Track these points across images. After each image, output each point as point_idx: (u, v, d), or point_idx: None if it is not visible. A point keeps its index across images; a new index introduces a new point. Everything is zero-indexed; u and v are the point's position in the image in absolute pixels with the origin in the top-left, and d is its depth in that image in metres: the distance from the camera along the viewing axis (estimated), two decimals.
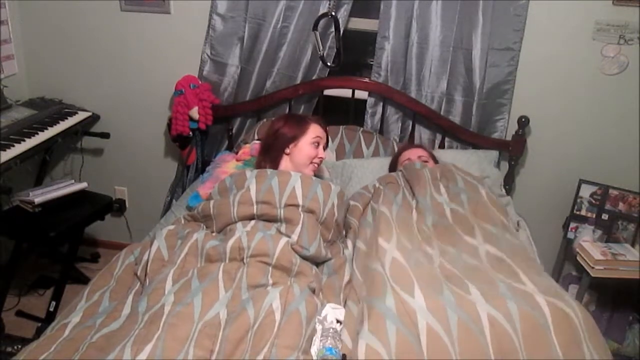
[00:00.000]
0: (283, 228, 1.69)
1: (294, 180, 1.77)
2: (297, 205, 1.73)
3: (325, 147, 2.02)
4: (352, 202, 1.99)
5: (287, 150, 1.93)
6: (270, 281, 1.49)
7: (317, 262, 1.68)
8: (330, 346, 1.31)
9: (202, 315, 1.34)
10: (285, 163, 1.95)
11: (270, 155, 1.96)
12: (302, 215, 1.71)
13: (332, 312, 1.44)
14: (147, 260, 1.59)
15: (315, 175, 1.95)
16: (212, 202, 1.81)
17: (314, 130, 1.94)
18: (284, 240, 1.61)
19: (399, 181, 2.04)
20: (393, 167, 2.27)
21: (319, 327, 1.37)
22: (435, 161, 2.24)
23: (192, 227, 1.78)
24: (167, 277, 1.48)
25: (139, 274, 1.61)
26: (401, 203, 1.90)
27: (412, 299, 1.32)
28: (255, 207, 1.73)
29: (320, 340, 1.33)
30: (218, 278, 1.46)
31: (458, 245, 1.66)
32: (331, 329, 1.36)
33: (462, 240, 1.68)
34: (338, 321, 1.41)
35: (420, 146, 2.33)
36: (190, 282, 1.44)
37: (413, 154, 2.21)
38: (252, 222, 1.71)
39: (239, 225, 1.69)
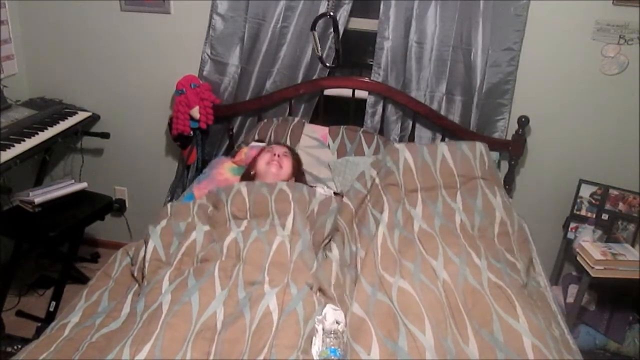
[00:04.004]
0: (276, 220, 1.73)
1: (280, 184, 1.92)
2: (287, 194, 1.85)
3: (294, 154, 2.24)
4: (344, 200, 1.98)
5: (252, 172, 2.15)
6: (267, 278, 1.49)
7: (323, 241, 1.70)
8: (334, 347, 1.31)
9: (200, 314, 1.34)
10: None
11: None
12: (292, 204, 1.79)
13: (332, 313, 1.43)
14: (144, 261, 1.59)
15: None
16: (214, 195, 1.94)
17: (264, 149, 2.21)
18: (279, 238, 1.62)
19: (399, 182, 2.01)
20: None
21: (319, 327, 1.37)
22: None
23: (190, 226, 1.77)
24: (163, 277, 1.48)
25: (135, 274, 1.62)
26: (402, 223, 1.85)
27: (423, 336, 1.36)
28: (247, 202, 1.82)
29: (323, 341, 1.33)
30: (214, 275, 1.47)
31: (462, 257, 1.65)
32: (333, 329, 1.36)
33: (467, 253, 1.68)
34: (337, 322, 1.41)
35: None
36: (187, 280, 1.45)
37: None
38: (245, 222, 1.75)
39: (233, 225, 1.71)
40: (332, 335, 1.34)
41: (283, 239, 1.63)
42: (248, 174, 2.16)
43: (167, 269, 1.52)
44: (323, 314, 1.41)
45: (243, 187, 1.90)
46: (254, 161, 2.19)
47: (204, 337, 1.29)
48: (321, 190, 2.15)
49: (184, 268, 1.54)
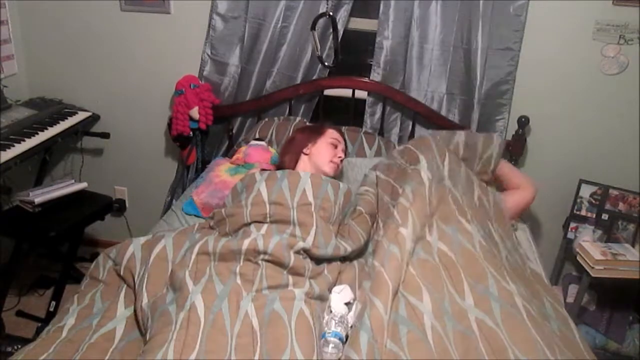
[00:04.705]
0: (297, 231, 1.64)
1: (304, 181, 1.77)
2: (309, 204, 1.72)
3: (346, 154, 2.12)
4: (358, 208, 1.90)
5: (306, 150, 2.01)
6: (291, 281, 1.49)
7: (336, 258, 1.69)
8: (337, 331, 1.36)
9: (232, 325, 1.32)
10: (304, 164, 2.00)
11: (289, 156, 2.02)
12: (315, 217, 1.69)
13: (337, 298, 1.48)
14: (149, 260, 1.58)
15: (334, 178, 1.95)
16: (224, 209, 1.79)
17: (331, 134, 2.06)
18: (298, 246, 1.58)
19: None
20: None
21: (327, 317, 1.42)
22: None
23: (204, 232, 1.74)
24: (184, 277, 1.45)
25: (122, 274, 1.61)
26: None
27: (421, 304, 1.41)
28: (267, 207, 1.71)
29: (327, 325, 1.39)
30: (237, 282, 1.44)
31: (453, 225, 1.70)
32: (339, 316, 1.40)
33: (459, 222, 1.72)
34: (346, 303, 1.46)
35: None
36: (214, 284, 1.42)
37: None
38: (265, 225, 1.67)
39: (253, 227, 1.66)
40: (337, 320, 1.39)
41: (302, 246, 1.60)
42: (299, 151, 2.01)
43: (184, 270, 1.48)
44: (328, 303, 1.47)
45: (263, 188, 1.77)
46: (313, 140, 2.02)
47: (243, 344, 1.28)
48: None
49: (201, 267, 1.50)
